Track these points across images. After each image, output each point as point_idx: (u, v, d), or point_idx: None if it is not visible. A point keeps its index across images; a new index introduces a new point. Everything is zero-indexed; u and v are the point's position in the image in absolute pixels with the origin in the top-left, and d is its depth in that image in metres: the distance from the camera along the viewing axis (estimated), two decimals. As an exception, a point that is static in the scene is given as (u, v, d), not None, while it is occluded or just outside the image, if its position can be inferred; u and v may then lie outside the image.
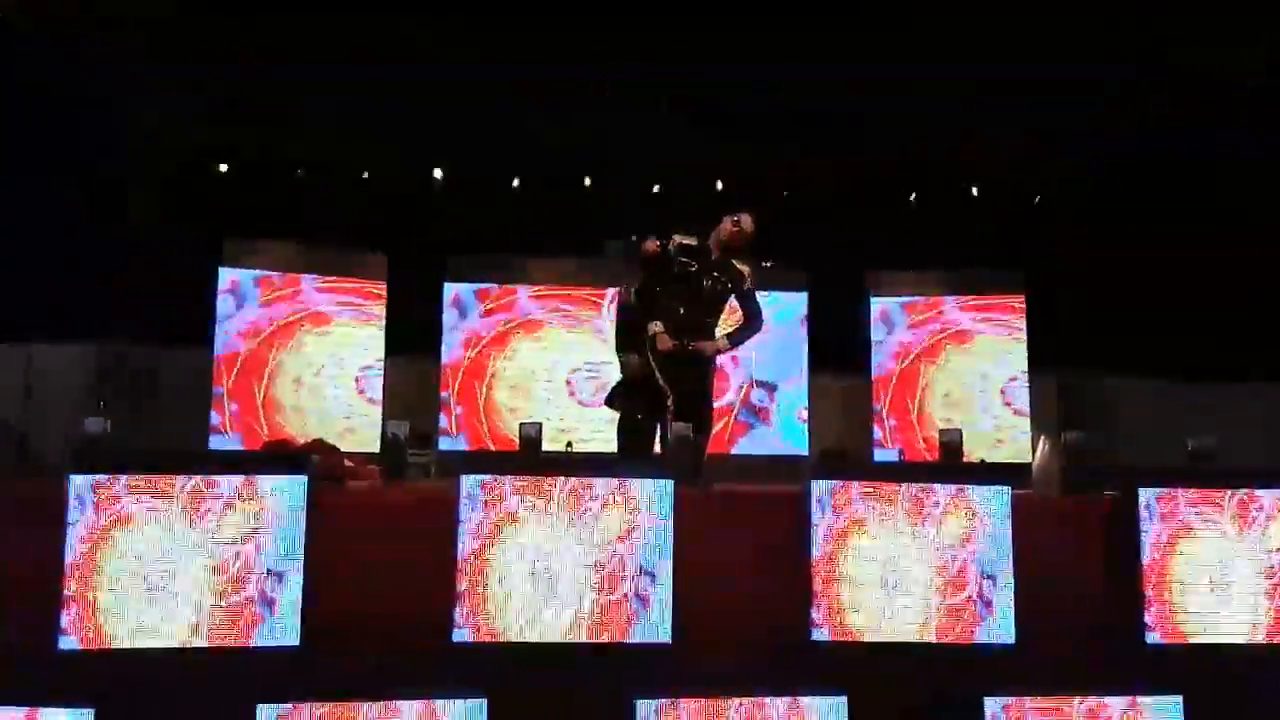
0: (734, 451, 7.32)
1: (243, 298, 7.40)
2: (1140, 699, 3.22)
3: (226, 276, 7.38)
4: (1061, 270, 8.21)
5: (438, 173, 8.82)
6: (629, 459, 4.50)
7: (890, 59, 7.58)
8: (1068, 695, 3.21)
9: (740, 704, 3.07)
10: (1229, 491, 3.45)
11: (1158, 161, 7.89)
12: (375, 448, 6.86)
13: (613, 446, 5.43)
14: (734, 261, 4.87)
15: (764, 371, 7.62)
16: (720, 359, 5.14)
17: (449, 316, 7.60)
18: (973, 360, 7.52)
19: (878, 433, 7.50)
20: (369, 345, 7.53)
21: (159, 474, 2.99)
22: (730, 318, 5.11)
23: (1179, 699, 3.24)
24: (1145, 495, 3.40)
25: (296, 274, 7.49)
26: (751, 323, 4.98)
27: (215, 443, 7.10)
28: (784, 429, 7.51)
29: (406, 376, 7.70)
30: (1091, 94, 7.66)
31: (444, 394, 7.54)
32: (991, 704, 3.19)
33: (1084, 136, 8.07)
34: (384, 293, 7.58)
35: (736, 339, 4.99)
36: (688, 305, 4.77)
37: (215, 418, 7.20)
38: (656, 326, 4.73)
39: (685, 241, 4.83)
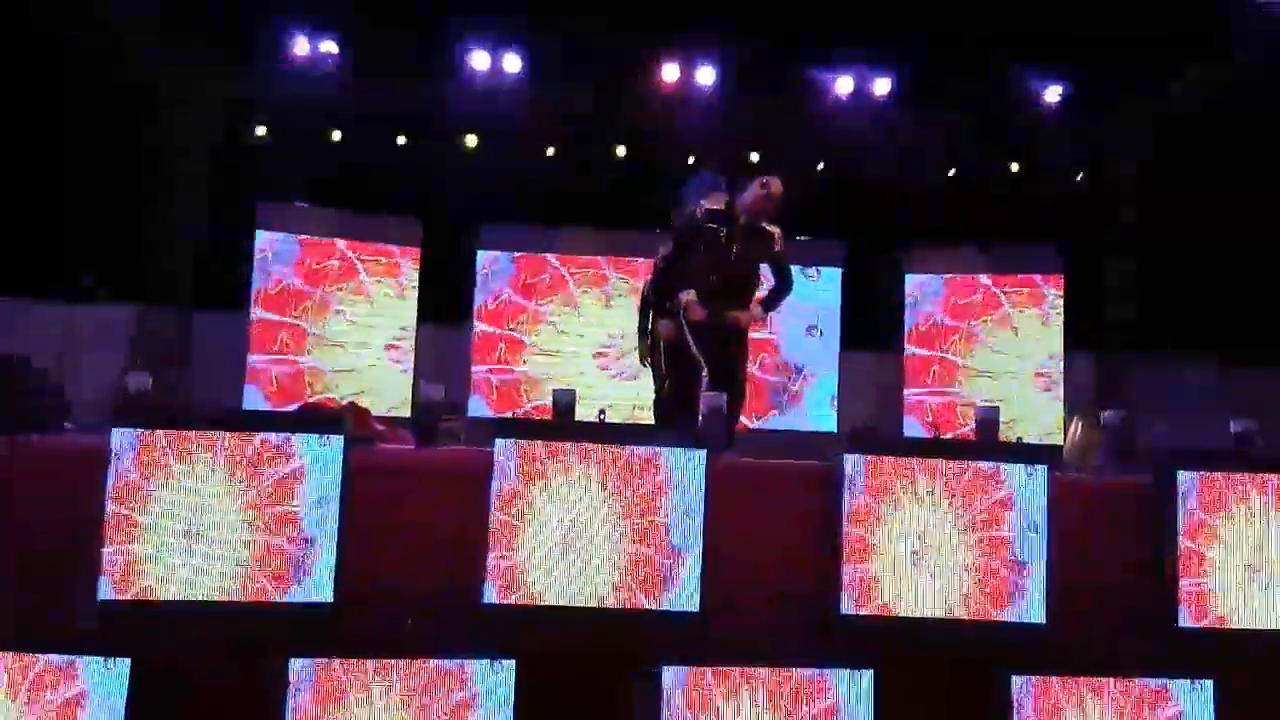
0: (763, 426, 7.31)
1: (278, 261, 7.46)
2: (1171, 682, 3.20)
3: (262, 240, 7.44)
4: (1103, 250, 8.10)
5: (471, 139, 8.80)
6: (662, 428, 4.51)
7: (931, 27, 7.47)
8: (1097, 676, 3.19)
9: (767, 675, 3.08)
10: (1269, 476, 3.40)
11: (1204, 139, 7.72)
12: (405, 413, 6.93)
13: (642, 418, 5.44)
14: (764, 224, 4.81)
15: (796, 349, 7.59)
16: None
17: (481, 284, 7.63)
18: (1008, 338, 7.45)
19: (908, 409, 7.46)
20: (401, 311, 7.58)
21: (199, 430, 3.03)
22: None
23: (1210, 683, 3.21)
24: (1183, 478, 3.36)
25: (332, 239, 7.54)
26: (782, 285, 4.94)
27: (249, 404, 7.19)
28: (813, 406, 7.49)
29: (438, 343, 7.75)
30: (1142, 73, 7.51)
31: (474, 361, 7.58)
32: (1019, 683, 3.17)
33: (1132, 112, 7.91)
34: (418, 259, 7.62)
35: (770, 304, 4.95)
36: (719, 272, 4.73)
37: (249, 379, 7.29)
38: (689, 295, 4.70)
39: (713, 207, 4.78)
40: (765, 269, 4.98)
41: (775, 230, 4.85)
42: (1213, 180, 7.72)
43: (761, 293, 4.97)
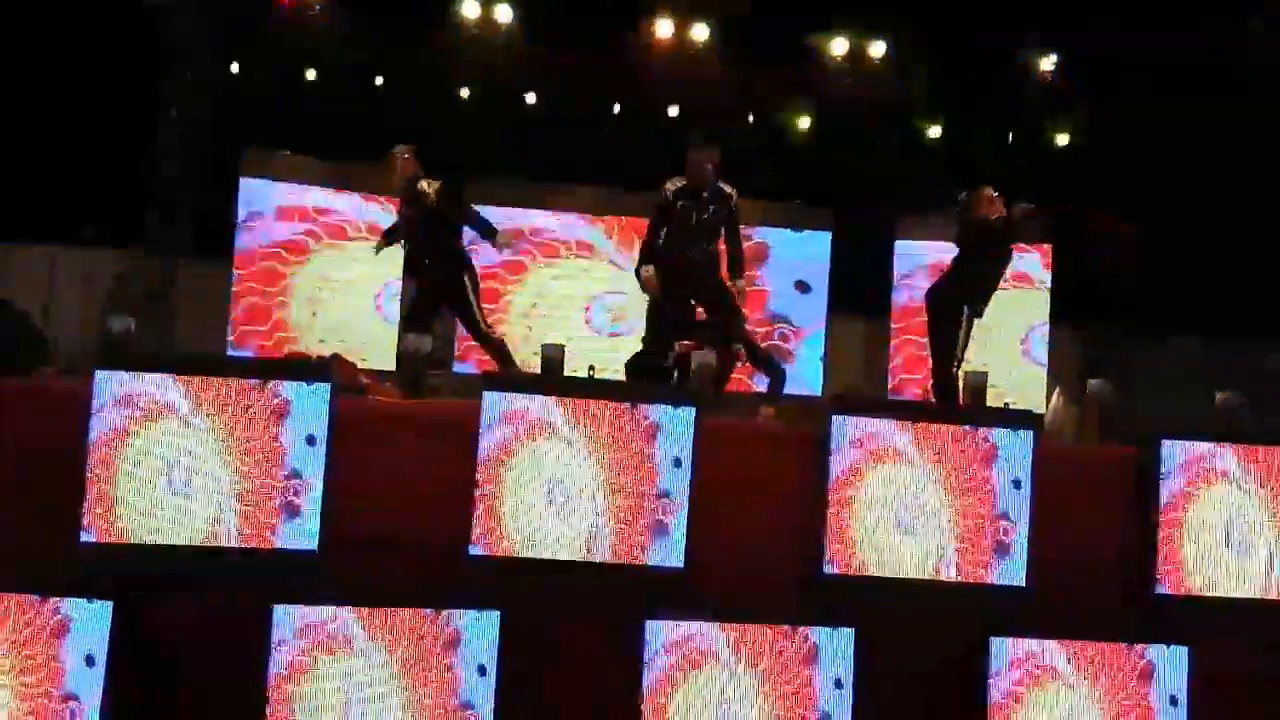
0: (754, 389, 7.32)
1: (261, 210, 7.37)
2: (1147, 648, 3.24)
3: (246, 188, 7.34)
4: (1092, 222, 8.09)
5: (465, 92, 8.68)
6: (651, 385, 4.53)
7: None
8: (1074, 641, 3.23)
9: (749, 631, 3.10)
10: (1251, 448, 3.43)
11: (1199, 113, 7.70)
12: (389, 367, 6.88)
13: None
14: (720, 185, 5.18)
15: (786, 312, 7.59)
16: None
17: (466, 239, 7.54)
18: (994, 307, 7.45)
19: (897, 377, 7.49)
20: (387, 264, 7.49)
21: (184, 374, 2.99)
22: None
23: (1185, 650, 3.26)
24: (1167, 448, 3.38)
25: (316, 188, 7.45)
26: (734, 252, 5.28)
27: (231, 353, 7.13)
28: (804, 370, 7.50)
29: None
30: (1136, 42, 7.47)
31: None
32: (997, 645, 3.21)
33: (1126, 83, 7.88)
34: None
35: (735, 270, 5.28)
36: (684, 238, 5.16)
37: (232, 329, 7.23)
38: (647, 270, 5.12)
39: (678, 185, 5.18)
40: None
41: (731, 190, 5.23)
42: (1206, 157, 7.70)
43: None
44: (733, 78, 8.30)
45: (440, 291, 5.55)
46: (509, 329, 7.63)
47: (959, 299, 5.36)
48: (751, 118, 8.60)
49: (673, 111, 8.80)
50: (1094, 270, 7.83)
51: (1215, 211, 7.65)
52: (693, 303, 5.25)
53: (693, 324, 5.16)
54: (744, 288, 5.33)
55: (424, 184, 5.53)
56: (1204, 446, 3.40)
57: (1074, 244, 7.83)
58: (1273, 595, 3.37)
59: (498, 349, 5.57)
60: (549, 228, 7.74)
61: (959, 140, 8.71)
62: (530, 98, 8.82)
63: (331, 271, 7.48)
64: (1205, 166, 7.67)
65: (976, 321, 5.52)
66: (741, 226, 5.36)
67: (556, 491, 3.12)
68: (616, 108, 8.76)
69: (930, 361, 5.56)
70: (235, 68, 8.51)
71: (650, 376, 5.11)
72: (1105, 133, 8.23)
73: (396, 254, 7.45)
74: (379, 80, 8.70)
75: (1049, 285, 7.49)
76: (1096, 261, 7.90)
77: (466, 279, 5.50)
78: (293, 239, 7.39)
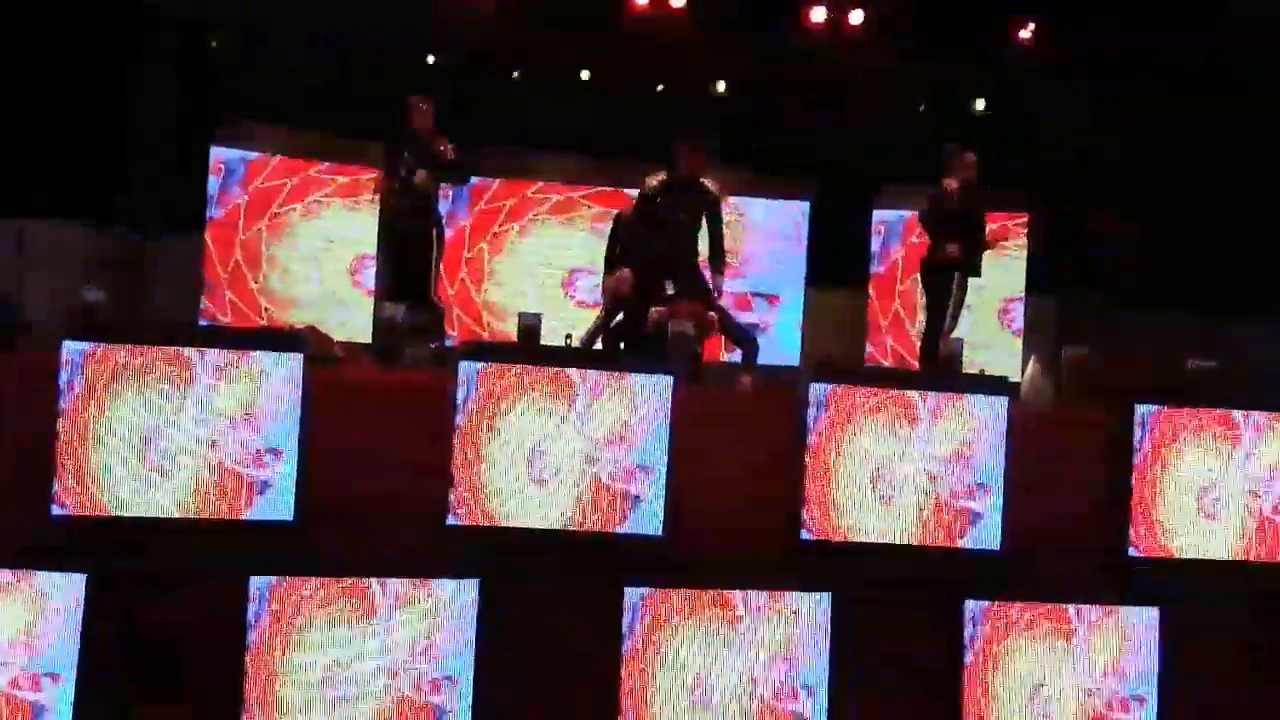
0: (730, 359, 7.33)
1: (234, 180, 7.28)
2: (1118, 609, 3.28)
3: (218, 158, 7.25)
4: (1071, 194, 8.11)
5: (434, 59, 8.56)
6: (629, 354, 4.54)
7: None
8: (1047, 603, 3.27)
9: (727, 597, 3.11)
10: (1223, 411, 3.46)
11: (1179, 84, 7.71)
12: (365, 338, 6.85)
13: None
14: (704, 181, 5.19)
15: (764, 282, 7.58)
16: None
17: (442, 208, 7.49)
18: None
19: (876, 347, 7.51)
20: (363, 235, 7.44)
21: (155, 345, 2.95)
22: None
23: (1155, 611, 3.30)
24: (1140, 412, 3.41)
25: (292, 158, 7.37)
26: (717, 246, 5.32)
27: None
28: (782, 339, 7.51)
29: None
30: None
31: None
32: (971, 607, 3.23)
33: (1103, 53, 7.88)
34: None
35: (716, 266, 5.33)
36: (664, 232, 5.16)
37: (204, 301, 7.16)
38: (624, 272, 5.15)
39: (658, 180, 5.17)
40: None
41: (714, 185, 5.29)
42: (1185, 130, 7.71)
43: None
44: (712, 47, 8.24)
45: (407, 244, 5.56)
46: (489, 296, 7.60)
47: (952, 266, 5.48)
48: (727, 87, 8.54)
49: (653, 78, 8.73)
50: (1094, 270, 7.87)
51: (1205, 199, 7.66)
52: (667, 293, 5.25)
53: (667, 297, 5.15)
54: (722, 284, 5.40)
55: (444, 145, 5.61)
56: (1176, 411, 3.43)
57: (1074, 244, 7.87)
58: (1245, 557, 3.42)
59: (435, 317, 5.62)
60: (530, 195, 7.69)
61: (941, 111, 8.70)
62: (506, 65, 8.72)
63: (307, 242, 7.40)
64: (1204, 165, 7.66)
65: (972, 281, 5.66)
66: (722, 197, 5.38)
67: (534, 460, 3.11)
68: (587, 75, 8.66)
69: (923, 328, 5.66)
70: (210, 38, 8.36)
71: (628, 344, 5.12)
72: (1105, 133, 8.20)
73: (369, 225, 7.39)
74: (356, 50, 8.57)
75: (1025, 253, 7.51)
76: (1097, 261, 7.94)
77: (435, 237, 5.55)
78: (267, 210, 7.30)
